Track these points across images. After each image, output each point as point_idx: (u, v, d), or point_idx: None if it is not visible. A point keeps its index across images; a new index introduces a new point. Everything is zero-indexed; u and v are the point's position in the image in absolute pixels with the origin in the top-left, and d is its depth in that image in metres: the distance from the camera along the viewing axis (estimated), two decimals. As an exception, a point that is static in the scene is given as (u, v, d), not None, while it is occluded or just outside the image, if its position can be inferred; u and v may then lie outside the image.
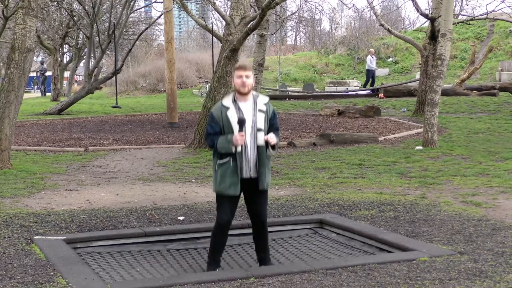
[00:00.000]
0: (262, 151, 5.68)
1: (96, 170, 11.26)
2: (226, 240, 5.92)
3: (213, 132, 5.69)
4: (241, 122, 5.58)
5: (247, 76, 5.70)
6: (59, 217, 7.25)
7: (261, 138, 5.68)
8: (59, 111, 24.54)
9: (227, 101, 5.74)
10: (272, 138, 5.65)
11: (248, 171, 5.66)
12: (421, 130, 15.83)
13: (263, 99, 5.81)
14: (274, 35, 40.19)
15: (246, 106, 5.69)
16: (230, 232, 6.75)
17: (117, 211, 7.62)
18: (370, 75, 31.51)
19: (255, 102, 5.73)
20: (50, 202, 8.29)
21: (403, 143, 14.53)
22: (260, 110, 5.72)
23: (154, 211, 7.61)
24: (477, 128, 17.16)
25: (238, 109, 5.67)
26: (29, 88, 50.35)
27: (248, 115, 5.66)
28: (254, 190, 5.75)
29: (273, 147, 5.69)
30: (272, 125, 5.80)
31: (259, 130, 5.67)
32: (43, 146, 14.54)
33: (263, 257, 5.97)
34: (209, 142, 5.74)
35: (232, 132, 5.60)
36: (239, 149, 5.60)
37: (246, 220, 7.09)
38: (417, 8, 20.81)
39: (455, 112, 21.41)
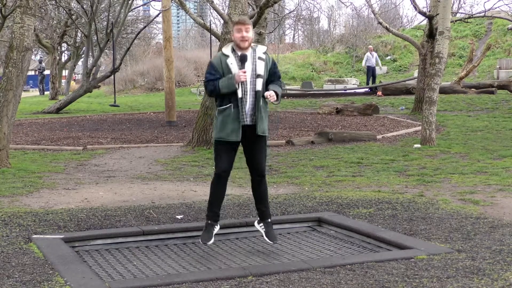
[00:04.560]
0: (259, 96, 5.72)
1: (94, 169, 11.26)
2: (225, 191, 6.01)
3: (214, 79, 5.73)
4: (243, 58, 5.67)
5: (246, 30, 5.76)
6: (58, 216, 7.25)
7: (260, 84, 5.73)
8: (57, 110, 24.53)
9: (227, 50, 5.82)
10: (271, 95, 5.70)
11: (248, 118, 5.71)
12: (419, 128, 15.84)
13: (262, 49, 5.88)
14: (272, 33, 40.19)
15: (247, 54, 5.75)
16: (228, 231, 6.80)
17: (116, 209, 7.62)
18: (370, 71, 31.52)
19: (254, 50, 5.81)
20: (49, 201, 8.29)
21: (401, 141, 14.55)
22: (259, 58, 5.80)
23: (153, 209, 7.62)
24: (475, 126, 17.17)
25: (238, 57, 5.76)
26: (28, 86, 50.30)
27: (248, 62, 5.71)
28: (252, 138, 5.79)
29: (276, 100, 5.77)
30: (274, 73, 5.89)
31: (258, 76, 5.74)
32: (41, 145, 14.53)
33: (263, 211, 6.03)
34: (210, 87, 5.77)
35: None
36: (240, 94, 5.65)
37: (245, 219, 7.11)
38: (415, 6, 20.82)
39: (453, 110, 21.43)
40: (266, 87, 5.87)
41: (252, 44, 5.88)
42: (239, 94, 5.67)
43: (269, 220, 6.16)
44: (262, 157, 5.94)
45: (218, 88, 5.69)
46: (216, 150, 5.90)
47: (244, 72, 5.64)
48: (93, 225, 6.89)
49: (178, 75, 35.52)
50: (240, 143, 5.92)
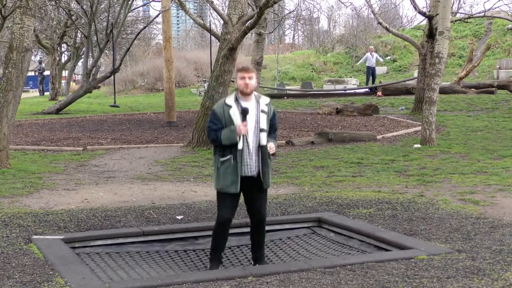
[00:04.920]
0: (265, 151, 5.74)
1: (94, 169, 11.26)
2: (227, 237, 5.98)
3: (216, 128, 5.74)
4: (244, 112, 5.67)
5: (250, 78, 5.80)
6: (58, 216, 7.25)
7: (264, 138, 5.74)
8: (57, 111, 24.52)
9: (230, 100, 5.83)
10: (272, 148, 5.78)
11: (250, 170, 5.71)
12: (419, 128, 15.84)
13: (264, 100, 5.90)
14: (272, 33, 40.21)
15: (248, 105, 5.75)
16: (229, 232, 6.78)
17: (116, 210, 7.62)
18: (370, 72, 31.53)
19: (257, 102, 5.83)
20: (49, 201, 8.29)
21: (401, 141, 14.54)
22: (262, 111, 5.82)
23: (153, 210, 7.62)
24: (475, 126, 17.17)
25: (240, 105, 5.77)
26: (27, 87, 50.30)
27: (251, 115, 5.73)
28: (254, 189, 5.80)
29: (273, 154, 5.79)
30: (272, 126, 5.93)
31: (261, 130, 5.75)
32: (41, 146, 14.53)
33: (258, 256, 6.01)
34: (212, 136, 5.77)
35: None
36: (240, 146, 5.65)
37: (245, 219, 7.10)
38: (415, 6, 20.82)
39: (453, 110, 21.42)
40: None
41: (255, 94, 5.88)
42: (239, 146, 5.69)
43: (265, 261, 6.10)
44: (264, 205, 5.95)
45: (220, 139, 5.72)
46: (218, 199, 5.89)
47: (245, 125, 5.66)
48: (93, 226, 6.89)
49: (178, 75, 35.50)
50: (242, 192, 5.90)
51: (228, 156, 5.70)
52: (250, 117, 5.73)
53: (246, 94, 5.79)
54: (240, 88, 5.81)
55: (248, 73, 5.81)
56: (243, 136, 5.68)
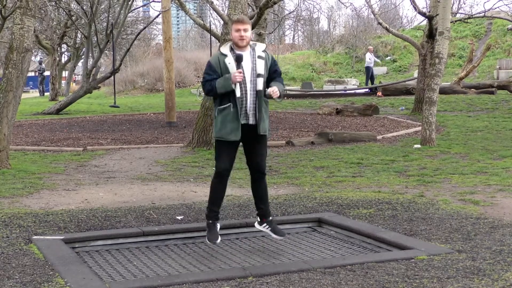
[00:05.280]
0: (261, 96, 5.73)
1: (94, 169, 11.26)
2: (225, 190, 6.03)
3: (211, 79, 5.76)
4: (239, 58, 5.68)
5: (245, 30, 5.78)
6: (58, 216, 7.25)
7: (260, 83, 5.73)
8: (58, 111, 24.53)
9: (225, 49, 5.83)
10: (275, 91, 5.71)
11: (248, 117, 5.72)
12: (419, 128, 15.84)
13: (261, 47, 5.88)
14: (272, 34, 40.20)
15: (245, 53, 5.77)
16: (228, 231, 6.80)
17: (116, 210, 7.62)
18: (369, 72, 31.57)
19: (253, 49, 5.81)
20: (49, 202, 8.29)
21: (401, 142, 14.55)
22: (259, 57, 5.81)
23: (153, 210, 7.62)
24: (475, 126, 17.17)
25: (235, 55, 5.77)
26: (28, 87, 50.30)
27: (247, 62, 5.73)
28: (253, 138, 5.80)
29: (279, 97, 5.78)
30: (274, 71, 5.91)
31: (258, 75, 5.75)
32: (41, 146, 14.53)
33: (263, 210, 6.04)
34: (208, 87, 5.79)
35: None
36: (238, 94, 5.65)
37: (245, 219, 7.11)
38: (415, 7, 20.83)
39: (453, 110, 21.43)
40: (267, 85, 5.88)
41: (251, 43, 5.89)
42: (238, 94, 5.69)
43: (271, 217, 6.17)
44: (263, 155, 5.97)
45: (215, 88, 5.72)
46: (216, 149, 5.92)
47: (240, 73, 5.65)
48: (93, 226, 6.89)
49: (178, 76, 35.52)
50: (241, 142, 5.93)
51: (228, 104, 5.72)
52: (246, 64, 5.72)
53: (241, 47, 5.78)
54: (235, 40, 5.81)
55: (244, 25, 5.79)
56: (241, 83, 5.68)
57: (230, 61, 5.73)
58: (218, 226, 6.08)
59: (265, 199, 6.07)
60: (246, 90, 5.73)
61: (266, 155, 6.08)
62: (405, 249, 5.89)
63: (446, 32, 14.14)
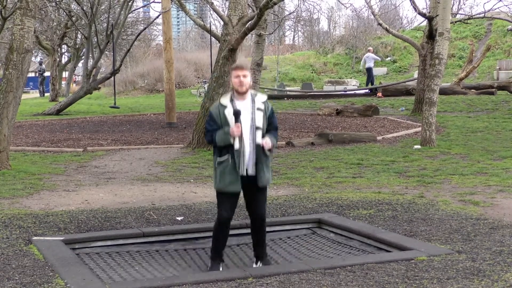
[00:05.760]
0: (260, 149, 5.73)
1: (94, 170, 11.26)
2: (228, 236, 5.98)
3: (212, 129, 5.76)
4: (237, 114, 5.66)
5: (244, 76, 5.76)
6: (58, 217, 7.25)
7: (259, 136, 5.73)
8: (58, 112, 24.53)
9: (225, 100, 5.83)
10: (267, 143, 5.73)
11: (247, 169, 5.71)
12: (419, 129, 15.84)
13: (261, 98, 5.87)
14: (272, 34, 40.17)
15: (244, 104, 5.75)
16: (229, 232, 6.78)
17: (116, 211, 7.62)
18: (371, 73, 31.58)
19: (253, 100, 5.80)
20: (49, 202, 8.29)
21: (401, 142, 14.54)
22: (258, 109, 5.79)
23: (153, 211, 7.62)
24: (475, 127, 17.17)
25: (235, 107, 5.76)
26: (28, 88, 50.30)
27: (247, 113, 5.72)
28: (253, 188, 5.79)
29: (270, 150, 5.77)
30: (270, 123, 5.88)
31: (257, 128, 5.74)
32: (41, 147, 14.53)
33: (260, 253, 6.01)
34: (208, 137, 5.82)
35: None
36: (236, 146, 5.67)
37: (245, 220, 7.11)
38: (415, 7, 20.83)
39: (453, 111, 21.42)
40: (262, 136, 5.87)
41: (252, 92, 5.87)
42: (236, 146, 5.69)
43: (267, 257, 6.11)
44: (263, 203, 5.95)
45: (215, 141, 5.74)
46: (218, 199, 5.90)
47: (238, 127, 5.65)
48: (93, 227, 6.89)
49: (178, 76, 35.51)
50: (242, 191, 5.90)
51: (226, 156, 5.72)
52: (245, 116, 5.71)
53: (241, 93, 5.78)
54: (235, 86, 5.81)
55: (243, 71, 5.79)
56: (238, 136, 5.68)
57: (229, 112, 5.73)
58: (221, 267, 6.01)
59: (262, 243, 6.05)
60: (244, 142, 5.73)
61: (266, 201, 6.07)
62: (405, 250, 5.89)
63: (446, 32, 14.14)
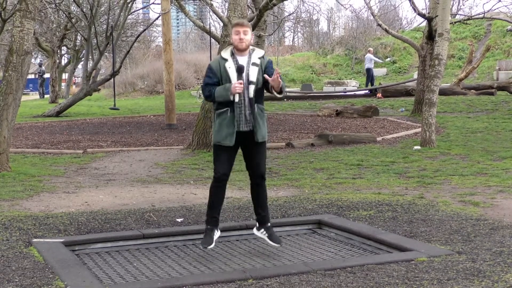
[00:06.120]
0: (253, 103, 5.74)
1: (94, 172, 11.26)
2: (224, 195, 6.02)
3: (211, 83, 5.77)
4: (240, 70, 5.70)
5: (244, 33, 5.79)
6: (58, 219, 7.25)
7: (252, 90, 5.74)
8: (58, 113, 24.54)
9: (226, 53, 5.85)
10: (277, 73, 5.67)
11: (243, 125, 5.72)
12: (419, 130, 15.85)
13: (258, 53, 5.89)
14: (272, 35, 40.21)
15: (243, 60, 5.79)
16: (229, 234, 6.79)
17: (116, 213, 7.62)
18: (370, 74, 31.61)
19: (250, 56, 5.81)
20: (49, 204, 8.29)
21: (401, 143, 14.54)
22: (253, 64, 5.81)
23: (153, 213, 7.62)
24: (475, 127, 17.17)
25: (236, 61, 5.80)
26: (27, 90, 50.32)
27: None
28: (251, 144, 5.80)
29: (280, 91, 5.76)
30: (272, 71, 5.84)
31: (250, 83, 5.74)
32: (41, 149, 14.53)
33: (262, 216, 6.03)
34: (206, 92, 5.81)
35: (230, 82, 5.73)
36: (237, 99, 5.67)
37: (245, 221, 7.11)
38: (414, 8, 20.84)
39: (453, 111, 21.43)
40: (264, 85, 5.88)
41: (250, 48, 5.89)
42: (236, 99, 5.70)
43: (269, 224, 6.16)
44: (262, 160, 5.96)
45: (214, 96, 5.74)
46: (214, 154, 5.92)
47: (241, 83, 5.65)
48: (93, 229, 6.89)
49: (178, 78, 35.53)
50: (240, 147, 5.94)
51: (225, 109, 5.73)
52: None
53: (241, 50, 5.79)
54: (234, 43, 5.83)
55: (243, 28, 5.81)
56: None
57: (230, 66, 5.75)
58: (217, 233, 6.02)
59: (264, 205, 6.05)
60: (244, 97, 5.74)
61: (266, 160, 6.07)
62: (405, 251, 5.89)
63: (446, 33, 14.14)
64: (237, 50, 5.83)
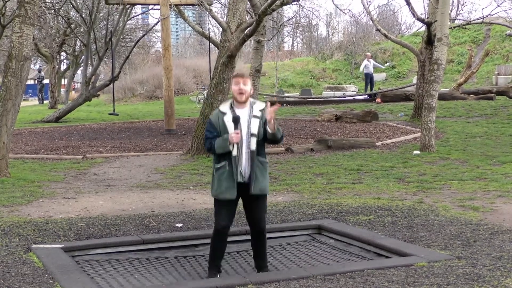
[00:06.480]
0: (254, 155, 5.72)
1: (94, 177, 11.25)
2: (226, 245, 5.97)
3: (211, 136, 5.77)
4: (236, 120, 5.68)
5: (244, 83, 5.77)
6: (57, 225, 7.25)
7: (253, 143, 5.73)
8: (57, 119, 24.53)
9: (224, 107, 5.85)
10: (271, 116, 5.66)
11: (243, 176, 5.71)
12: (418, 134, 15.84)
13: (259, 106, 5.87)
14: (271, 41, 40.26)
15: (243, 112, 5.76)
16: (228, 238, 6.78)
17: (115, 218, 7.61)
18: (368, 78, 31.60)
19: (251, 108, 5.80)
20: (48, 210, 8.28)
21: (400, 148, 14.55)
22: (254, 116, 5.79)
23: (152, 218, 7.61)
24: (474, 132, 17.18)
25: (234, 113, 5.77)
26: (27, 95, 50.32)
27: (244, 121, 5.72)
28: (250, 196, 5.78)
29: (273, 134, 5.75)
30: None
31: (252, 135, 5.74)
32: (40, 154, 14.53)
33: (260, 265, 6.00)
34: (208, 145, 5.84)
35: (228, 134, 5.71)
36: (234, 153, 5.66)
37: (244, 226, 7.10)
38: (413, 13, 20.85)
39: (452, 116, 21.43)
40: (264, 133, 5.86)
41: (251, 100, 5.88)
42: (234, 153, 5.70)
43: (266, 270, 6.10)
44: (262, 213, 5.92)
45: (214, 148, 5.75)
46: (215, 206, 5.90)
47: (237, 133, 5.66)
48: (93, 234, 6.89)
49: (177, 83, 35.53)
50: (241, 198, 5.90)
51: (223, 163, 5.73)
52: (243, 123, 5.73)
53: (241, 102, 5.79)
54: (234, 94, 5.83)
55: (243, 78, 5.81)
56: (236, 143, 5.69)
57: (228, 119, 5.75)
58: (219, 276, 6.00)
59: (262, 255, 6.02)
60: (241, 149, 5.74)
61: (266, 212, 6.05)
62: (404, 256, 5.89)
63: (445, 38, 14.16)
64: (237, 102, 5.82)
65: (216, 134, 5.76)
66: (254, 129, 5.77)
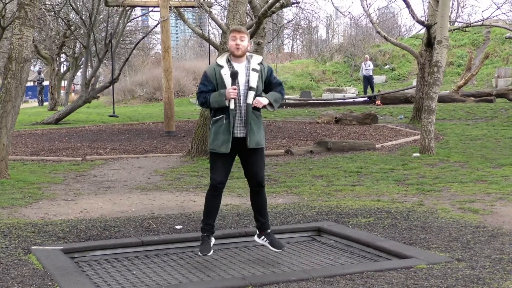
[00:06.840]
0: (250, 109, 5.72)
1: (93, 179, 11.25)
2: (220, 203, 6.02)
3: (206, 90, 5.75)
4: (234, 75, 5.67)
5: (241, 38, 5.76)
6: (57, 227, 7.25)
7: (251, 96, 5.73)
8: (57, 121, 24.55)
9: (221, 60, 5.82)
10: (258, 101, 5.70)
11: (239, 130, 5.70)
12: (418, 137, 15.85)
13: (257, 59, 5.86)
14: (271, 43, 40.25)
15: (240, 66, 5.76)
16: (228, 241, 6.79)
17: (115, 220, 7.61)
18: (366, 81, 31.63)
19: (248, 62, 5.80)
20: (48, 212, 8.28)
21: (400, 150, 14.55)
22: (253, 69, 5.78)
23: (152, 220, 7.61)
24: (474, 134, 17.18)
25: (232, 68, 5.77)
26: (27, 97, 50.34)
27: (241, 75, 5.71)
28: (247, 150, 5.79)
29: (270, 105, 5.78)
30: (270, 82, 5.87)
31: (250, 88, 5.73)
32: (40, 156, 14.53)
33: (262, 223, 6.01)
34: (201, 99, 5.80)
35: (225, 89, 5.70)
36: (232, 106, 5.65)
37: (244, 228, 7.10)
38: (413, 15, 20.87)
39: (452, 118, 21.44)
40: (267, 89, 5.89)
41: (248, 54, 5.87)
42: (231, 106, 5.68)
43: (269, 230, 6.15)
44: (260, 167, 5.91)
45: (209, 102, 5.72)
46: (211, 161, 5.90)
47: (235, 89, 5.63)
48: (93, 236, 6.88)
49: (177, 85, 35.56)
50: (237, 154, 5.92)
51: (221, 116, 5.71)
52: (241, 77, 5.71)
53: (237, 56, 5.77)
54: (231, 49, 5.81)
55: (240, 34, 5.79)
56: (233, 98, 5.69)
57: (226, 72, 5.72)
58: (213, 240, 6.03)
59: (264, 212, 6.03)
60: (240, 103, 5.73)
61: (264, 167, 6.05)
62: (404, 258, 5.88)
63: (445, 40, 14.16)
64: (233, 57, 5.81)
65: (211, 88, 5.73)
66: (253, 83, 5.75)
